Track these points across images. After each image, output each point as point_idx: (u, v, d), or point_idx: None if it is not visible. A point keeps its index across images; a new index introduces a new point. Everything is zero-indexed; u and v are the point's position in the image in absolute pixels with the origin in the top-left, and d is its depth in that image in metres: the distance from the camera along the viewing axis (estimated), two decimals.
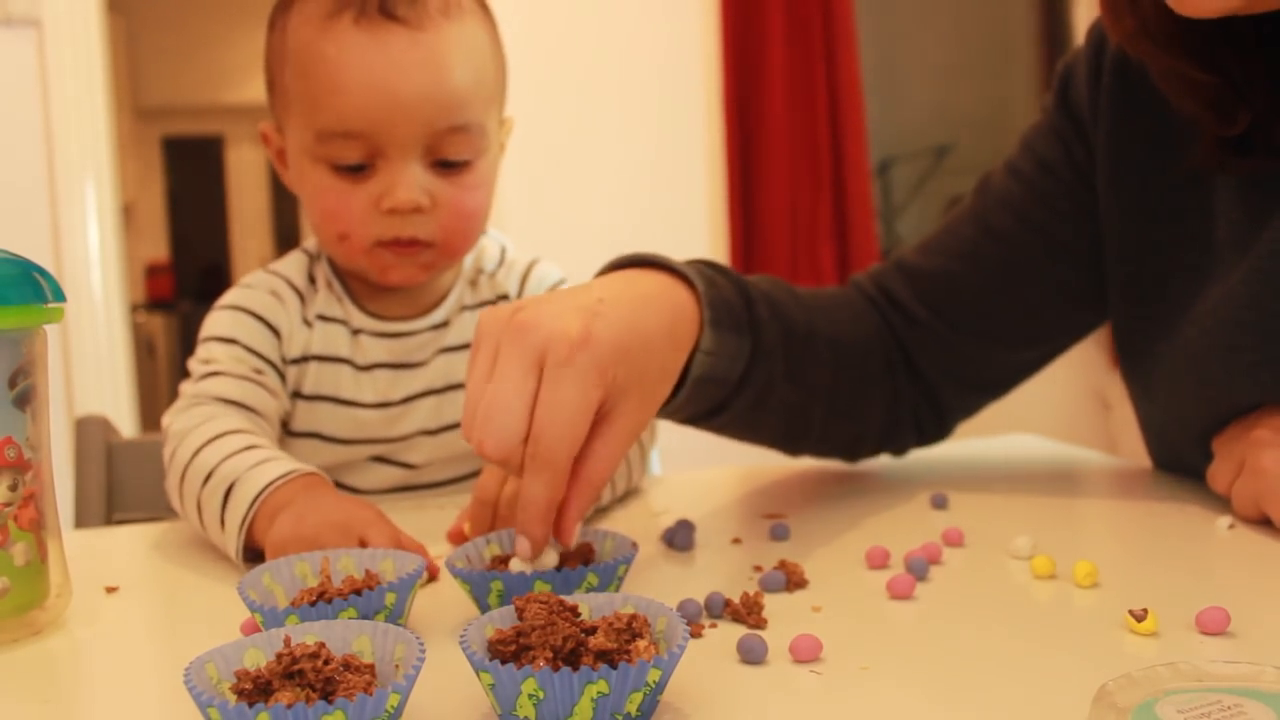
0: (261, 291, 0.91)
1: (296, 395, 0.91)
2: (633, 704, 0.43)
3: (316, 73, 0.83)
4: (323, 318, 0.92)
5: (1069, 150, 0.87)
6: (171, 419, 0.82)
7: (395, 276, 0.88)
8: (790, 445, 0.88)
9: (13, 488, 0.58)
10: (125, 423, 2.41)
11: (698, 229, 2.93)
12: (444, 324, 0.95)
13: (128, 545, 0.83)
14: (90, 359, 2.44)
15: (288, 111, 0.87)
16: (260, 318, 0.90)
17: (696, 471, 0.98)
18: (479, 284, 0.98)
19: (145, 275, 6.09)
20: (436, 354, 0.94)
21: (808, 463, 0.96)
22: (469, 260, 0.97)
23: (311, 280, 0.94)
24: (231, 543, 0.71)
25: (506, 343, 0.59)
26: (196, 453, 0.76)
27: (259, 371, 0.88)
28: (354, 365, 0.92)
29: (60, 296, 0.60)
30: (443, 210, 0.86)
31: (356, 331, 0.92)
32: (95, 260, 2.44)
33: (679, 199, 2.92)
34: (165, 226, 6.49)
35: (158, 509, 0.86)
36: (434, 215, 0.86)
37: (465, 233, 0.89)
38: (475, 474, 0.95)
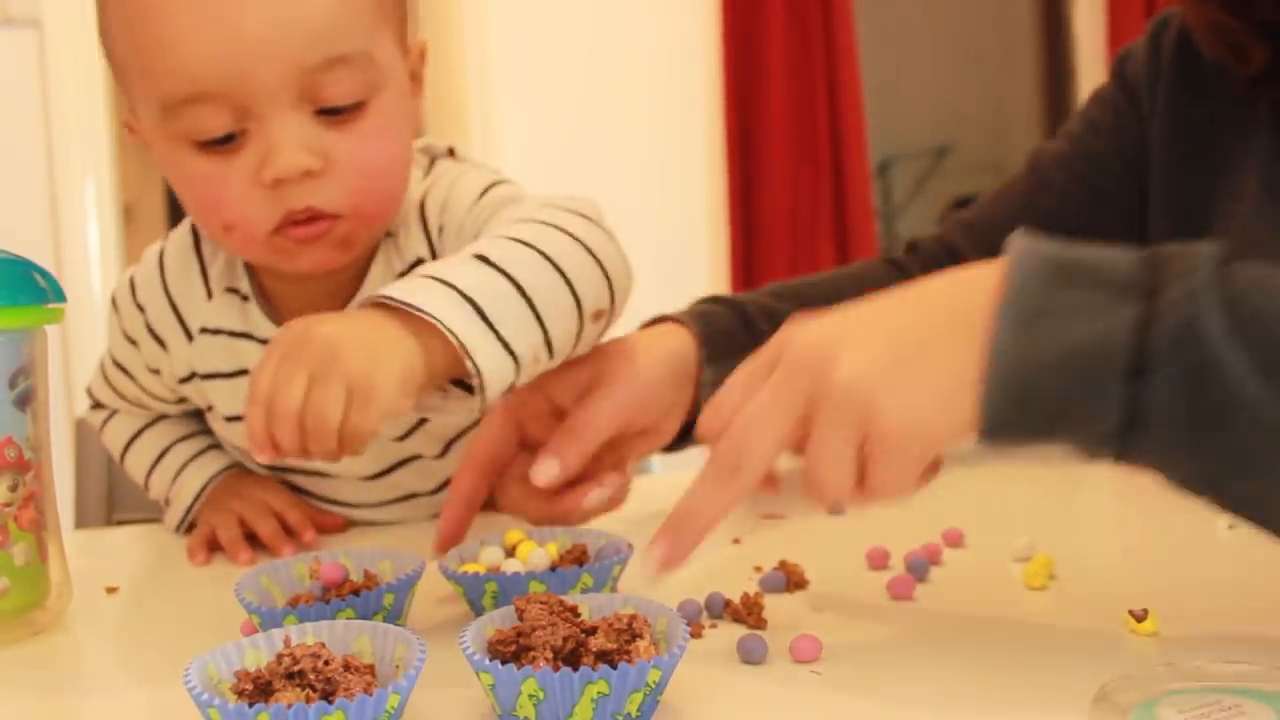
0: (120, 337, 0.86)
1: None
2: (633, 704, 0.43)
3: (145, 32, 0.66)
4: (209, 331, 0.80)
5: (1118, 114, 0.93)
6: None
7: (306, 263, 0.71)
8: None
9: (13, 488, 0.58)
10: None
11: (698, 229, 2.93)
12: None
13: (128, 545, 0.83)
14: (90, 359, 2.43)
15: (130, 91, 0.71)
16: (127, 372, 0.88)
17: (696, 472, 0.97)
18: (399, 238, 0.79)
19: None
20: None
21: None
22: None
23: (208, 292, 0.80)
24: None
25: None
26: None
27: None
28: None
29: (60, 296, 0.60)
30: (342, 169, 0.68)
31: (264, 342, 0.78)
32: (95, 260, 2.44)
33: (679, 199, 2.92)
34: (165, 226, 6.49)
35: (157, 509, 0.86)
36: (332, 177, 0.68)
37: (379, 194, 0.71)
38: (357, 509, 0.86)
